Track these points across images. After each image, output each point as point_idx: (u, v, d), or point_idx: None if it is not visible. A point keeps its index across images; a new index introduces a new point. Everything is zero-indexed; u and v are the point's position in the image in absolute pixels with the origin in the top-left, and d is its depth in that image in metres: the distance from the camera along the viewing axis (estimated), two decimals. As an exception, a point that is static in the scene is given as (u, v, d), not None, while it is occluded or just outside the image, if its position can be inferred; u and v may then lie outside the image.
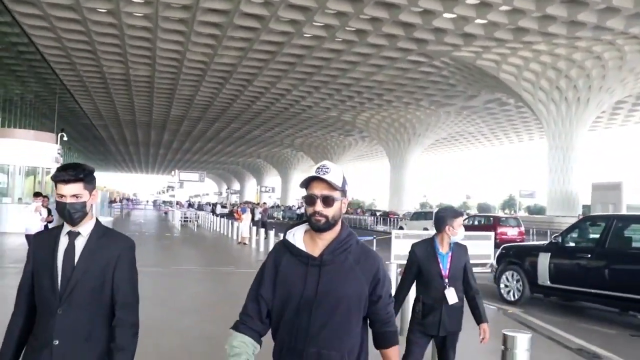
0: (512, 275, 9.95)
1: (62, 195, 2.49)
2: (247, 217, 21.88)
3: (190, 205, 76.15)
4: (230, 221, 25.39)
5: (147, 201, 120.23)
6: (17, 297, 2.56)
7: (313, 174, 2.18)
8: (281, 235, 9.69)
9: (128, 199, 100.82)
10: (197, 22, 27.74)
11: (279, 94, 43.51)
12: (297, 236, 2.26)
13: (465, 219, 28.77)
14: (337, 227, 2.21)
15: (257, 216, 27.84)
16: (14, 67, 37.26)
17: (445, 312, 3.90)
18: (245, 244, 20.68)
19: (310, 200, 2.17)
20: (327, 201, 2.15)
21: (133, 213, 59.50)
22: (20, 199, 21.20)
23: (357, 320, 2.21)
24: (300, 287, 2.15)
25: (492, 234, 11.94)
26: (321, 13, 26.15)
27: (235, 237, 23.11)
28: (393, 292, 3.85)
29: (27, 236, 11.20)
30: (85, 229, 2.57)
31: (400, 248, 13.49)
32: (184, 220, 38.38)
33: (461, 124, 52.95)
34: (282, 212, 59.09)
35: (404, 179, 53.73)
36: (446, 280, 3.92)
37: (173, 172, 47.82)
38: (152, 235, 24.66)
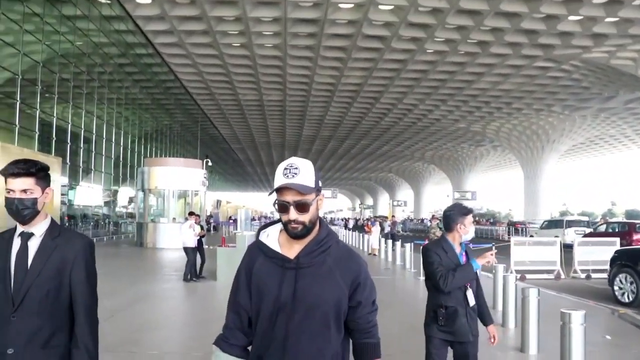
0: (626, 278, 10.15)
1: (10, 190, 2.33)
2: (376, 229, 22.84)
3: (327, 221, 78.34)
4: (361, 234, 26.38)
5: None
6: None
7: (281, 178, 1.98)
8: (407, 246, 10.59)
9: (266, 217, 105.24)
10: (323, 47, 29.17)
11: (406, 109, 43.97)
12: (272, 236, 2.10)
13: (599, 224, 27.42)
14: (315, 227, 2.05)
15: (387, 229, 28.59)
16: (162, 102, 41.30)
17: (469, 315, 3.73)
18: (375, 254, 21.76)
19: (282, 208, 1.99)
20: (302, 207, 1.97)
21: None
22: (174, 218, 23.67)
23: (337, 328, 2.05)
24: (275, 292, 1.99)
25: (616, 239, 11.78)
26: (441, 29, 26.43)
27: (365, 248, 24.31)
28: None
29: (185, 249, 12.93)
30: (39, 228, 2.39)
31: (520, 255, 13.58)
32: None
33: (600, 127, 49.78)
34: (400, 225, 59.06)
35: (539, 188, 51.47)
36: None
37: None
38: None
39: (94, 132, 28.95)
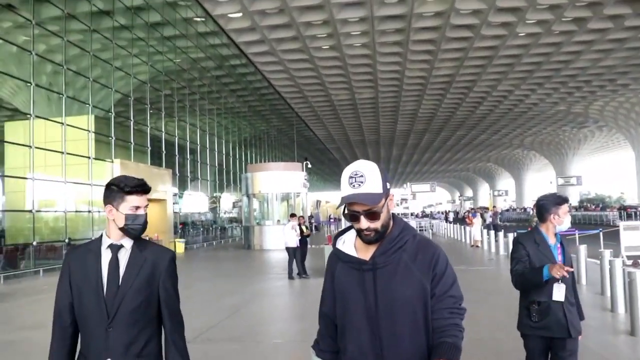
0: None
1: (138, 207, 2.48)
2: (477, 221, 22.65)
3: (425, 215, 77.57)
4: (462, 226, 26.18)
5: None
6: (56, 318, 2.49)
7: (347, 188, 1.98)
8: (510, 236, 10.64)
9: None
10: (412, 41, 29.17)
11: (501, 95, 42.83)
12: (347, 242, 2.11)
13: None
14: (389, 224, 2.04)
15: (488, 220, 28.13)
16: (258, 108, 42.76)
17: (568, 310, 3.57)
18: (477, 246, 21.63)
19: (353, 218, 1.99)
20: (372, 216, 1.96)
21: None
22: (278, 220, 24.68)
23: (428, 325, 1.98)
24: (359, 296, 1.99)
25: None
26: (532, 10, 25.66)
27: (467, 240, 24.18)
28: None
29: (287, 249, 13.77)
30: (128, 241, 2.51)
31: (630, 240, 13.00)
32: (419, 229, 39.81)
33: None
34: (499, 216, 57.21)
35: (654, 168, 48.33)
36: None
37: (405, 185, 49.65)
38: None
39: (198, 142, 30.59)
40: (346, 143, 65.16)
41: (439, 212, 77.62)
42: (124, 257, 2.46)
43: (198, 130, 30.79)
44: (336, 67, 34.04)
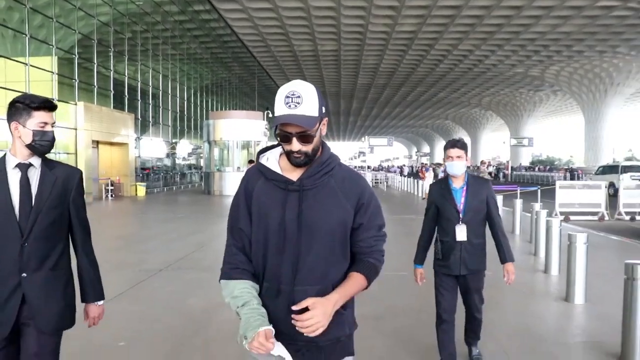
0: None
1: (45, 124, 2.48)
2: (429, 175, 23.80)
3: (381, 168, 78.92)
4: (415, 180, 27.35)
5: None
6: None
7: (283, 107, 1.87)
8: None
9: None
10: (377, -4, 29.40)
11: (461, 55, 43.62)
12: (272, 160, 2.03)
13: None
14: (318, 147, 1.98)
15: (440, 174, 29.46)
16: (220, 56, 42.46)
17: (465, 249, 3.81)
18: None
19: (285, 138, 1.91)
20: (305, 138, 1.89)
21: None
22: (238, 167, 25.33)
23: (343, 253, 2.00)
24: (279, 215, 1.93)
25: (602, 183, 12.90)
26: (496, -28, 26.16)
27: (420, 193, 25.38)
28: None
29: None
30: (36, 159, 2.52)
31: (564, 198, 14.26)
32: (375, 182, 40.94)
33: (671, 68, 47.74)
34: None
35: (601, 134, 50.23)
36: (460, 215, 3.82)
37: (363, 138, 50.50)
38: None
39: (160, 88, 30.48)
40: (307, 94, 65.31)
41: (394, 166, 79.00)
42: (34, 175, 2.48)
43: (160, 75, 30.59)
44: (300, 18, 34.04)
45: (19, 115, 2.43)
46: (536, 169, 62.78)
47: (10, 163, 2.46)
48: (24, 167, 2.46)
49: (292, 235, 1.91)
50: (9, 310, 2.40)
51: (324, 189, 1.95)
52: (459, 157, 3.79)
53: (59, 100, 19.49)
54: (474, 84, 57.53)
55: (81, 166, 19.58)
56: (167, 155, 32.31)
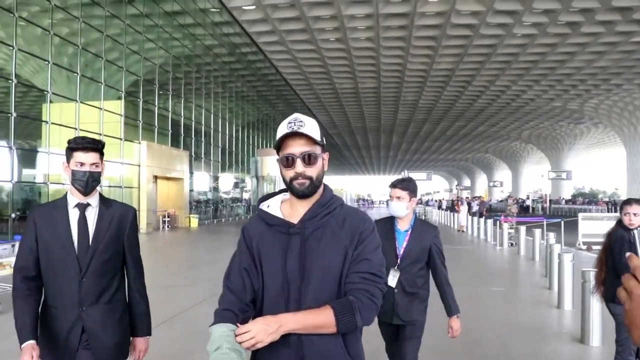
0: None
1: (82, 164, 2.56)
2: (464, 208, 24.86)
3: (420, 202, 79.32)
4: (452, 213, 28.38)
5: (380, 201, 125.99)
6: (19, 271, 2.56)
7: (285, 130, 1.83)
8: (489, 223, 12.82)
9: (364, 199, 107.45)
10: (414, 37, 30.90)
11: (499, 90, 44.46)
12: (273, 206, 1.96)
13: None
14: (320, 189, 1.92)
15: (475, 208, 30.36)
16: (264, 93, 44.49)
17: (399, 297, 3.49)
18: (463, 231, 24.00)
19: (288, 161, 1.85)
20: (310, 159, 1.84)
21: (369, 211, 64.96)
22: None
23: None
24: (281, 261, 1.84)
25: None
26: (528, 13, 27.30)
27: (454, 225, 26.50)
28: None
29: None
30: (94, 199, 2.66)
31: (587, 229, 15.06)
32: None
33: None
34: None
35: (643, 165, 49.82)
36: (398, 261, 3.52)
37: (402, 173, 51.45)
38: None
39: (211, 126, 32.47)
40: (347, 129, 66.79)
41: (433, 200, 79.36)
42: (91, 214, 2.61)
43: (212, 115, 32.64)
44: (341, 58, 35.78)
45: (67, 157, 2.61)
46: (577, 201, 62.44)
47: (71, 202, 2.62)
48: (82, 207, 2.61)
49: (294, 281, 1.81)
50: (71, 342, 2.55)
51: (325, 230, 1.86)
52: (398, 197, 3.51)
53: (125, 140, 21.52)
54: (512, 117, 57.99)
55: (143, 199, 21.50)
56: (210, 190, 34.03)
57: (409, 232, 3.56)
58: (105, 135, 20.07)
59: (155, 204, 24.55)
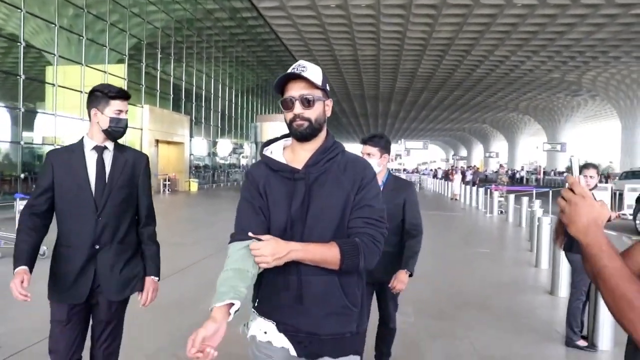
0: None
1: (120, 111, 2.71)
2: (457, 177, 25.46)
3: (415, 171, 79.90)
4: (446, 182, 29.01)
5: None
6: (30, 207, 2.67)
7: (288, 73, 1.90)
8: (481, 191, 13.58)
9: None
10: (414, 5, 30.99)
11: (498, 60, 44.54)
12: (276, 152, 1.99)
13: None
14: (322, 135, 1.96)
15: (468, 177, 31.00)
16: (263, 59, 44.61)
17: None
18: (456, 199, 24.71)
19: (287, 104, 1.90)
20: (308, 102, 1.87)
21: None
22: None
23: (342, 234, 1.87)
24: (286, 205, 1.87)
25: (610, 185, 14.65)
26: (529, -16, 27.38)
27: (448, 194, 27.24)
28: None
29: None
30: (110, 143, 2.77)
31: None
32: (409, 184, 42.65)
33: None
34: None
35: (638, 139, 50.24)
36: None
37: (399, 141, 51.91)
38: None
39: (211, 91, 32.79)
40: (346, 97, 66.86)
41: (428, 169, 79.94)
42: (107, 157, 2.73)
43: (212, 79, 32.91)
44: (341, 25, 35.78)
45: (98, 102, 2.70)
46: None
47: (88, 145, 2.74)
48: (100, 150, 2.73)
49: (298, 225, 1.86)
50: (86, 280, 2.65)
51: (328, 175, 1.90)
52: (369, 154, 3.44)
53: (128, 103, 21.81)
54: (510, 88, 58.12)
55: (145, 162, 21.95)
56: (209, 155, 34.53)
57: (381, 190, 3.28)
58: (108, 98, 20.34)
59: (157, 167, 25.02)
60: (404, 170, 51.83)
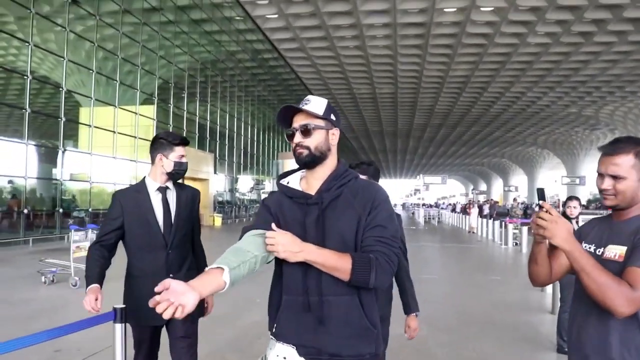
0: None
1: (182, 156, 3.02)
2: (474, 211, 25.96)
3: (436, 205, 79.93)
4: (464, 215, 29.58)
5: (395, 204, 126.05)
6: (99, 239, 2.98)
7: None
8: (497, 224, 14.32)
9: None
10: (430, 45, 31.98)
11: (514, 96, 45.08)
12: (293, 182, 2.06)
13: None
14: (332, 163, 2.02)
15: (486, 211, 31.50)
16: (284, 97, 45.81)
17: None
18: (473, 232, 25.06)
19: (290, 135, 2.00)
20: (306, 131, 1.95)
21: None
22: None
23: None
24: (300, 227, 1.91)
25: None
26: (542, 24, 28.14)
27: (466, 227, 27.69)
28: None
29: None
30: (170, 184, 3.06)
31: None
32: (427, 218, 43.07)
33: None
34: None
35: (658, 173, 49.71)
36: None
37: (418, 177, 52.42)
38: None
39: (234, 129, 33.95)
40: (364, 133, 67.64)
41: (446, 204, 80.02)
42: (171, 197, 3.03)
43: (234, 118, 34.08)
44: (359, 64, 36.88)
45: (163, 148, 3.00)
46: (590, 207, 62.80)
47: (151, 186, 3.03)
48: (163, 190, 3.02)
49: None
50: None
51: (341, 199, 1.95)
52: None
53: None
54: (528, 123, 58.38)
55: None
56: (230, 190, 35.36)
57: None
58: (139, 138, 21.56)
59: (184, 203, 25.95)
60: (423, 205, 52.21)
